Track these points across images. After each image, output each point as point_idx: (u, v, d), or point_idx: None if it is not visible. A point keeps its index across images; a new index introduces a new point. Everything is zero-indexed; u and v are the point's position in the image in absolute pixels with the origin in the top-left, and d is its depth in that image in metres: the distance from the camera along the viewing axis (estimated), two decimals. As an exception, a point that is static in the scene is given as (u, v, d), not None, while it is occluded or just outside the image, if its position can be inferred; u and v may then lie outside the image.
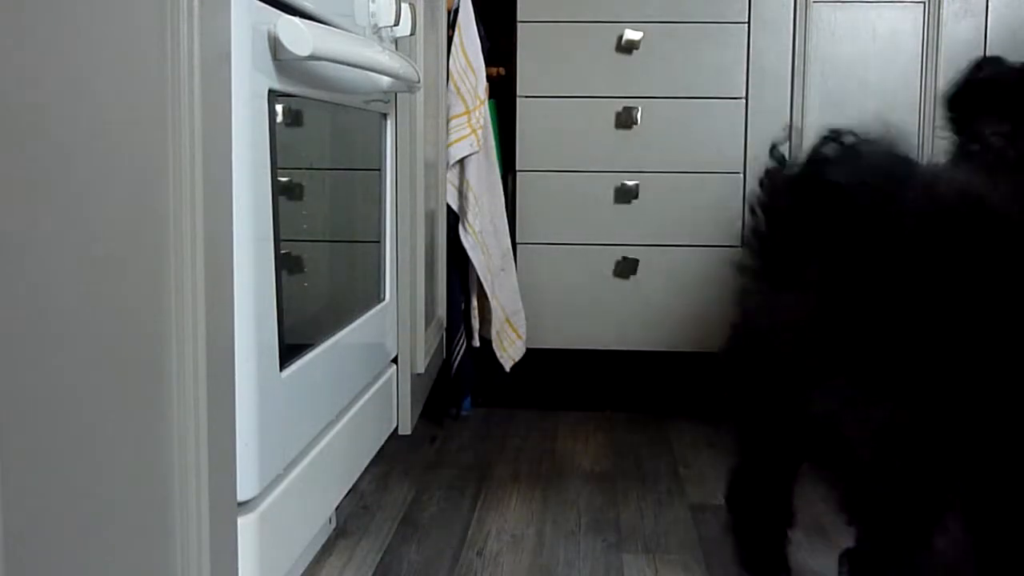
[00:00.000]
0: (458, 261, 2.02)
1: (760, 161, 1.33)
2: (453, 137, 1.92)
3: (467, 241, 1.97)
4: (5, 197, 0.50)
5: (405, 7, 1.34)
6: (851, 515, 1.03)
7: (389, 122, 1.48)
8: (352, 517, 1.42)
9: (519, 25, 2.00)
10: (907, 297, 0.95)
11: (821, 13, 1.98)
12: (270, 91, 0.93)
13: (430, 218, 1.75)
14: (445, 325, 1.95)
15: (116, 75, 0.62)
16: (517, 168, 2.03)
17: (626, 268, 2.02)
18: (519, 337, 2.02)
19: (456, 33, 1.93)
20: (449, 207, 1.97)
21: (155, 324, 0.68)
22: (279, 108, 0.99)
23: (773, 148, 1.06)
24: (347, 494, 1.28)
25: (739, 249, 1.85)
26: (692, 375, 2.07)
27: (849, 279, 0.96)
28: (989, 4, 1.96)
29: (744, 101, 1.99)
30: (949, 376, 0.97)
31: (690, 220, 2.00)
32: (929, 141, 1.97)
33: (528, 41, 2.01)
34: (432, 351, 1.76)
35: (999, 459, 1.09)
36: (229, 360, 0.80)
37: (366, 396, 1.34)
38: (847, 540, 1.06)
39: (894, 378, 0.95)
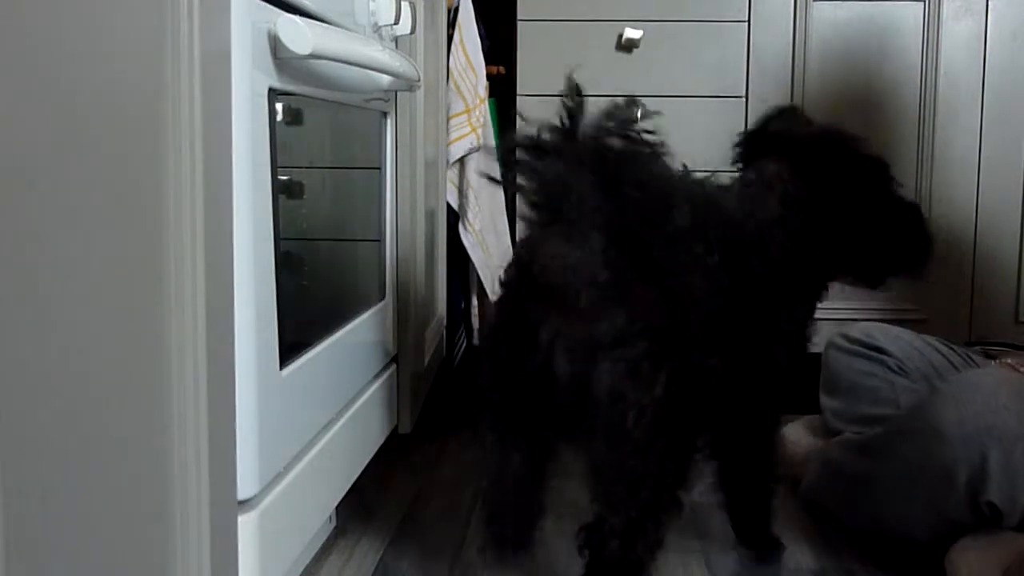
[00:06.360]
0: (458, 260, 2.02)
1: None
2: (453, 135, 1.92)
3: (467, 240, 1.97)
4: (5, 195, 0.50)
5: (405, 6, 1.34)
6: (602, 488, 1.05)
7: (389, 121, 1.48)
8: (352, 516, 1.41)
9: (519, 23, 2.00)
10: (678, 265, 1.02)
11: (821, 11, 1.98)
12: (270, 90, 0.93)
13: (430, 217, 1.75)
14: (445, 324, 1.95)
15: (116, 74, 0.62)
16: (517, 167, 2.03)
17: (626, 267, 2.01)
18: (519, 336, 2.01)
19: (456, 31, 1.93)
20: (449, 206, 1.97)
21: (155, 323, 0.68)
22: (279, 107, 0.98)
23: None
24: (347, 493, 1.28)
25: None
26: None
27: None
28: (989, 4, 1.95)
29: (744, 100, 1.99)
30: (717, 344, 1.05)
31: (690, 219, 2.00)
32: (929, 141, 1.97)
33: (528, 40, 2.00)
34: (432, 351, 1.76)
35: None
36: (229, 359, 0.80)
37: (366, 395, 1.34)
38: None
39: (673, 343, 0.99)
